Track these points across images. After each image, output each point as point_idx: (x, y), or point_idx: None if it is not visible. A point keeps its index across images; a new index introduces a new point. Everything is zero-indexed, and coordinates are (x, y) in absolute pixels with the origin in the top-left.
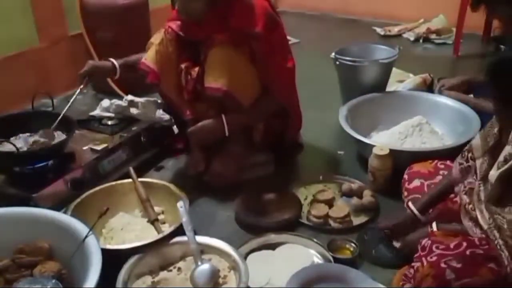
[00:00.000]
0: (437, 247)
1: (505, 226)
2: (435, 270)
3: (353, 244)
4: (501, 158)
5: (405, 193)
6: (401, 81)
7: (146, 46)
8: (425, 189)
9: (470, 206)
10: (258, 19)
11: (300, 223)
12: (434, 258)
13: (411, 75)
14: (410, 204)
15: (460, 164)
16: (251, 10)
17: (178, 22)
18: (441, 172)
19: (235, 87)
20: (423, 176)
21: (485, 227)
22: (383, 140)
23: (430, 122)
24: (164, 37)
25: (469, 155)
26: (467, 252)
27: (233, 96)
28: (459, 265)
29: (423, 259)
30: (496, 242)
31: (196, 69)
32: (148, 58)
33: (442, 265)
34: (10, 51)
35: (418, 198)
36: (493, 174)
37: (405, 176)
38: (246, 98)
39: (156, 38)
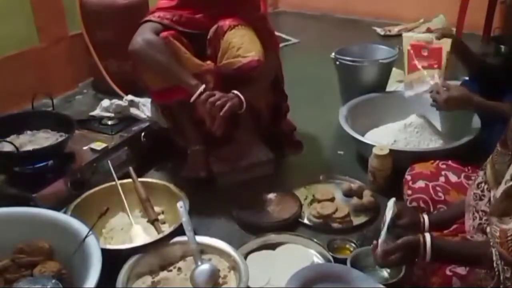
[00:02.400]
0: None
1: (497, 234)
2: (441, 279)
3: (353, 244)
4: (507, 176)
5: (409, 192)
6: (401, 81)
7: None
8: (430, 190)
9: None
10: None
11: (300, 223)
12: (438, 266)
13: None
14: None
15: (475, 193)
16: None
17: (177, 16)
18: (443, 172)
19: (262, 56)
20: (426, 177)
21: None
22: (381, 140)
23: (430, 122)
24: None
25: (485, 186)
26: None
27: (262, 65)
28: (464, 273)
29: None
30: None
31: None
32: None
33: (448, 273)
34: (10, 51)
35: (422, 198)
36: (500, 188)
37: (408, 177)
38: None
39: None
